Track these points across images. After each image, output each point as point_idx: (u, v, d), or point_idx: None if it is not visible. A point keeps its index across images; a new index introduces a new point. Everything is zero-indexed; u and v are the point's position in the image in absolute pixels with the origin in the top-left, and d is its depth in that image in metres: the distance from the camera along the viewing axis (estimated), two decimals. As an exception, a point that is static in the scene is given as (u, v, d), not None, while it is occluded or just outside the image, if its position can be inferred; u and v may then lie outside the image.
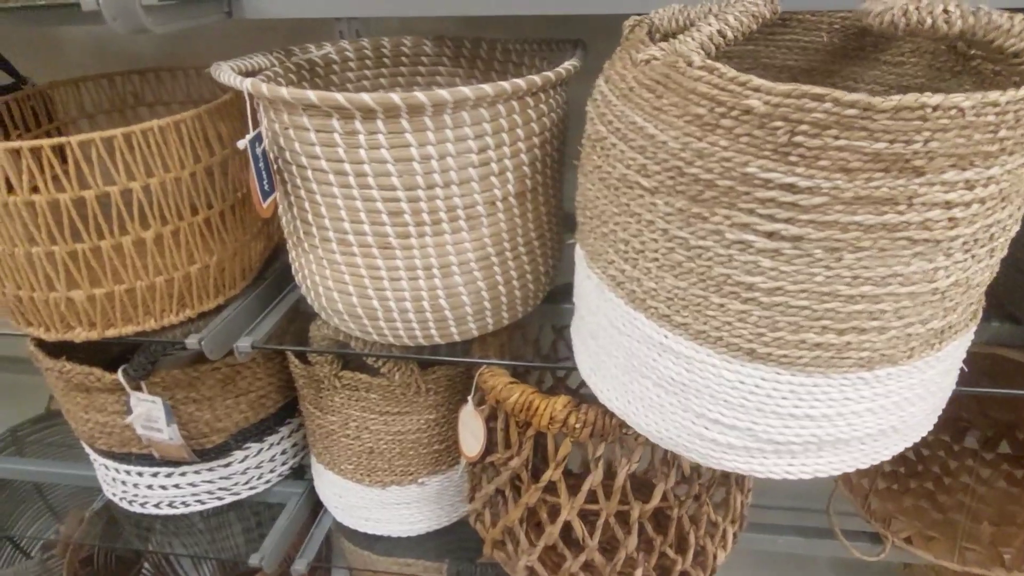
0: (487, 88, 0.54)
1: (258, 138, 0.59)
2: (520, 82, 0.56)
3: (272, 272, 0.82)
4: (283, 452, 0.94)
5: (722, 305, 0.46)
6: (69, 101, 0.90)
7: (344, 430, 0.80)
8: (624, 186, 0.49)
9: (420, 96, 0.52)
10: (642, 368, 0.53)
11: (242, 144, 0.58)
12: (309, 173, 0.58)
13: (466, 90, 0.53)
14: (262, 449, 0.91)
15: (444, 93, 0.52)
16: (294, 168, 0.60)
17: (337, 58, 0.75)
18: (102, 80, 0.91)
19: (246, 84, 0.56)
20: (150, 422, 0.79)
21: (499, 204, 0.61)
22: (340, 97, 0.52)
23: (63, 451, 1.23)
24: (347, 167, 0.56)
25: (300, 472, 0.99)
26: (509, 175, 0.60)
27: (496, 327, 0.68)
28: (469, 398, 0.71)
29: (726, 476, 0.70)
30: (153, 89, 0.94)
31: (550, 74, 0.58)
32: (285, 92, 0.53)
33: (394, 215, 0.58)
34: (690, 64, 0.42)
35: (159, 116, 0.97)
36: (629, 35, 0.55)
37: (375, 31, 0.94)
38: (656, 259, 0.48)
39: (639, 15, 0.56)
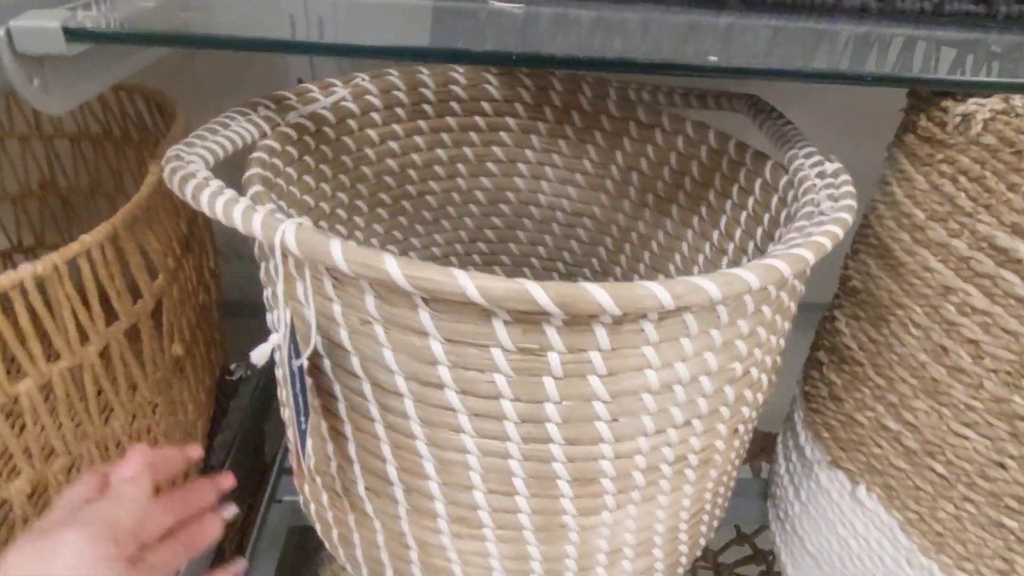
0: (780, 266, 0.25)
1: (295, 344, 0.27)
2: (816, 244, 0.28)
3: (221, 446, 0.49)
4: None
5: None
6: None
7: None
8: None
9: (683, 284, 0.23)
10: None
11: (259, 358, 0.26)
12: (409, 406, 0.28)
13: (746, 275, 0.24)
14: None
15: (708, 286, 0.24)
16: (368, 389, 0.29)
17: (355, 107, 0.43)
18: None
19: (285, 238, 0.24)
20: None
21: (719, 444, 0.33)
22: (533, 288, 0.22)
23: None
24: (505, 407, 0.27)
25: None
26: (747, 394, 0.33)
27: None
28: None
29: None
30: (-29, 114, 0.56)
31: (846, 216, 0.31)
32: (394, 267, 0.23)
33: (583, 483, 0.29)
34: None
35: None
36: (985, 133, 0.30)
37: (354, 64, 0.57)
38: None
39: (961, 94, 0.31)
